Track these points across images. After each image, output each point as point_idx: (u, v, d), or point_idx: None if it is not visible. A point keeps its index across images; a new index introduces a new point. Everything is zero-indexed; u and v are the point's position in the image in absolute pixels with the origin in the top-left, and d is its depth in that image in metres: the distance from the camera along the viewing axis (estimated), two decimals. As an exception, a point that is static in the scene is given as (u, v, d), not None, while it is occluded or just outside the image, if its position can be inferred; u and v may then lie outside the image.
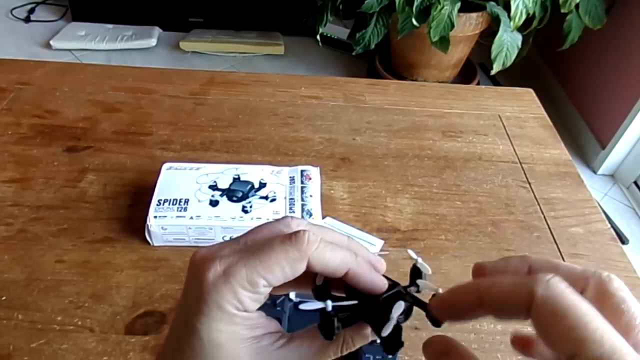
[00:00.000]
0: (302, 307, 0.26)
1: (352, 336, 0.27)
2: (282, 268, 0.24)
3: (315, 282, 0.27)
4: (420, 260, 0.28)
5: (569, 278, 0.21)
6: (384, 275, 0.27)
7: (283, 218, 0.27)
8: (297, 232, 0.25)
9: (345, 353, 0.27)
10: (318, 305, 0.25)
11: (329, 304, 0.25)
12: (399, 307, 0.25)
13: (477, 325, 0.52)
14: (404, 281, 0.28)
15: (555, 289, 0.20)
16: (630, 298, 0.22)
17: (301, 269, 0.24)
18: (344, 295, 0.27)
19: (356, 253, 0.26)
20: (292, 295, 0.48)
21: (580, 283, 0.22)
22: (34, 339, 0.47)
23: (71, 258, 0.55)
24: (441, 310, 0.24)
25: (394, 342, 0.25)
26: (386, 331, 0.24)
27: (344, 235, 0.28)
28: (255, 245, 0.25)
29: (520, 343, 0.27)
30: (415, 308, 0.26)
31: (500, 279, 0.23)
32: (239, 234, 0.27)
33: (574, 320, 0.19)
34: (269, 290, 0.25)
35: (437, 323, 0.24)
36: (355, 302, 0.26)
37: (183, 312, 0.25)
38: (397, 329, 0.25)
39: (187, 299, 0.25)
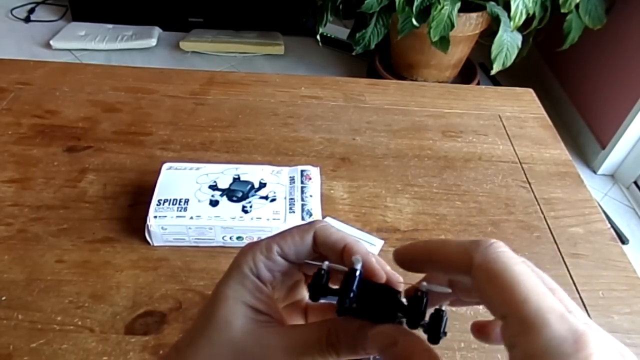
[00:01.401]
0: (328, 263, 0.27)
1: (337, 330, 0.26)
2: (293, 236, 0.28)
3: (318, 270, 0.28)
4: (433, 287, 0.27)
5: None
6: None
7: (316, 221, 0.31)
8: (314, 221, 0.30)
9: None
10: (343, 268, 0.27)
11: (326, 263, 0.27)
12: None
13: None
14: (405, 282, 0.28)
15: (492, 252, 0.22)
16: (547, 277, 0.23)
17: (308, 239, 0.28)
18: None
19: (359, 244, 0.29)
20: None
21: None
22: (34, 339, 0.47)
23: (71, 258, 0.55)
24: (397, 260, 0.27)
25: (417, 314, 0.25)
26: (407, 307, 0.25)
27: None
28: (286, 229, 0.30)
29: (478, 330, 0.28)
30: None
31: (448, 241, 0.25)
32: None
33: (504, 282, 0.20)
34: (282, 261, 0.28)
35: (435, 340, 0.24)
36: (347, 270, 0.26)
37: (217, 283, 0.29)
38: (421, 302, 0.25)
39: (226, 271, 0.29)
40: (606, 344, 0.19)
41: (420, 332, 0.25)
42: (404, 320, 0.25)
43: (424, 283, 0.25)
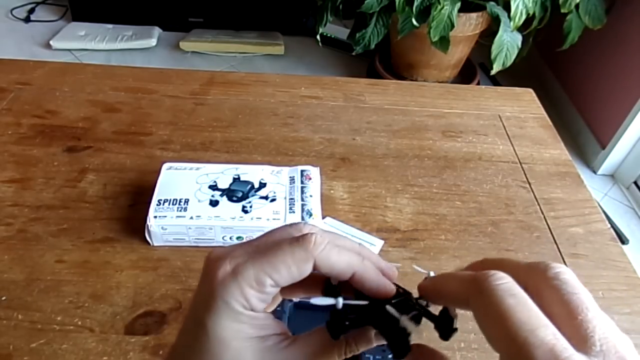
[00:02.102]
0: (313, 301, 0.26)
1: (355, 340, 0.27)
2: (288, 267, 0.25)
3: (326, 281, 0.28)
4: (432, 273, 0.28)
5: (513, 273, 0.22)
6: (395, 284, 0.27)
7: (296, 223, 0.28)
8: (305, 234, 0.26)
9: (348, 356, 0.27)
10: (329, 301, 0.26)
11: (340, 301, 0.26)
12: (407, 312, 0.25)
13: (478, 326, 0.51)
14: (404, 282, 0.28)
15: (487, 285, 0.21)
16: (566, 285, 0.22)
17: (307, 269, 0.25)
18: (353, 297, 0.28)
19: (365, 257, 0.27)
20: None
21: (522, 278, 0.22)
22: (34, 339, 0.47)
23: (71, 258, 0.55)
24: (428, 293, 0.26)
25: (402, 347, 0.25)
26: (394, 336, 0.25)
27: (355, 242, 0.28)
28: (265, 246, 0.26)
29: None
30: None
31: (452, 276, 0.25)
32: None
33: (495, 316, 0.20)
34: (276, 290, 0.25)
35: (446, 335, 0.25)
36: (365, 302, 0.26)
37: (194, 309, 0.26)
38: (405, 334, 0.25)
39: (199, 296, 0.26)
40: None
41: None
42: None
43: (405, 321, 0.25)
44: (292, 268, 0.25)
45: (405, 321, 0.25)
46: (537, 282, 0.22)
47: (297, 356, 0.26)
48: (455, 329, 0.25)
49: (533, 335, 0.19)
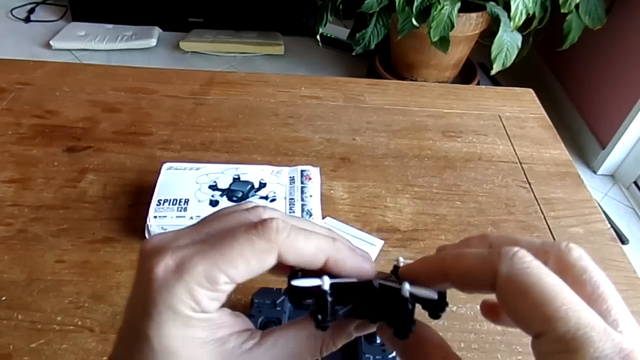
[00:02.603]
0: (294, 282, 0.22)
1: (333, 335, 0.24)
2: (247, 262, 0.21)
3: (290, 277, 0.23)
4: (401, 259, 0.25)
5: (529, 251, 0.20)
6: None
7: (253, 206, 0.23)
8: (264, 220, 0.22)
9: (325, 354, 0.24)
10: (312, 282, 0.22)
11: (326, 280, 0.22)
12: (406, 287, 0.22)
13: (477, 326, 0.52)
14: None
15: (518, 264, 0.19)
16: (592, 267, 0.21)
17: (270, 261, 0.21)
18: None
19: (335, 239, 0.24)
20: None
21: (540, 256, 0.21)
22: (34, 339, 0.47)
23: (71, 258, 0.55)
24: (408, 279, 0.23)
25: (406, 322, 0.22)
26: (396, 310, 0.22)
27: (321, 226, 0.25)
28: (216, 234, 0.22)
29: (489, 311, 0.25)
30: None
31: (465, 253, 0.21)
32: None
33: (537, 297, 0.18)
34: (231, 287, 0.21)
35: (435, 315, 0.23)
36: (353, 279, 0.23)
37: (131, 317, 0.22)
38: (408, 305, 0.22)
39: (135, 300, 0.21)
40: None
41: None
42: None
43: (407, 286, 0.22)
44: (252, 262, 0.21)
45: (406, 290, 0.22)
46: (560, 263, 0.21)
47: (265, 357, 0.22)
48: (446, 304, 0.22)
49: (584, 316, 0.18)
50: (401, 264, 0.24)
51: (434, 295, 0.22)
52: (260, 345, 0.22)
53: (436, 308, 0.22)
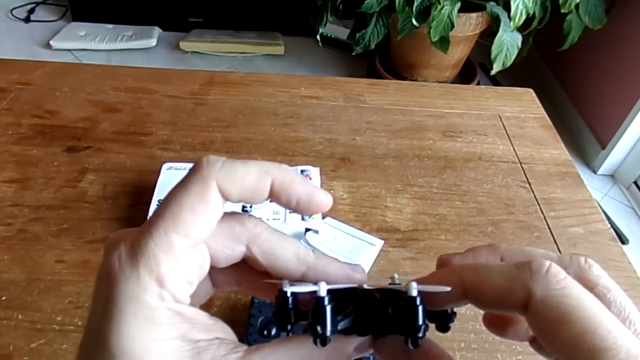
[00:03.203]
0: (286, 289, 0.20)
1: (329, 358, 0.20)
2: (191, 209, 0.18)
3: (280, 292, 0.20)
4: (396, 275, 0.22)
5: None
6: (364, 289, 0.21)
7: (197, 161, 0.20)
8: (196, 162, 0.19)
9: None
10: (308, 287, 0.20)
11: (323, 286, 0.19)
12: (413, 288, 0.19)
13: (477, 325, 0.52)
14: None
15: (554, 284, 0.17)
16: (613, 285, 0.19)
17: (213, 199, 0.19)
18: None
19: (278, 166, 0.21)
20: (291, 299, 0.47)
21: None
22: (34, 339, 0.47)
23: (71, 258, 0.55)
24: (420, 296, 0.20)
25: (416, 326, 0.19)
26: (404, 315, 0.19)
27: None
28: (160, 205, 0.19)
29: (493, 323, 0.23)
30: None
31: (488, 269, 0.19)
32: None
33: (581, 324, 0.16)
34: (192, 249, 0.19)
35: (444, 325, 0.21)
36: (353, 286, 0.21)
37: (91, 321, 0.19)
38: (417, 307, 0.19)
39: (95, 302, 0.19)
40: None
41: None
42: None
43: (414, 283, 0.19)
44: (195, 207, 0.18)
45: (414, 288, 0.19)
46: (581, 280, 0.19)
47: None
48: (454, 314, 0.20)
49: (633, 346, 0.16)
50: (397, 281, 0.21)
51: (447, 288, 0.19)
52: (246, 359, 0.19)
53: (445, 319, 0.20)
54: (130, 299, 0.17)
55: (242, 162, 0.20)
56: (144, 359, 0.17)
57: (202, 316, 0.19)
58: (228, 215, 0.21)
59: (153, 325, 0.17)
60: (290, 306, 0.20)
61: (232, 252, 0.20)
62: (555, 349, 0.17)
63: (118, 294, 0.17)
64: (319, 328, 0.19)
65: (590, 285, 0.19)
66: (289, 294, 0.20)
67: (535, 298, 0.17)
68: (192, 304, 0.19)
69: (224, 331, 0.20)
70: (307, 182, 0.21)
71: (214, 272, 0.22)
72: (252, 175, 0.19)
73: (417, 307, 0.19)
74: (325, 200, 0.21)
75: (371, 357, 0.45)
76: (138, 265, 0.18)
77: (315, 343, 0.19)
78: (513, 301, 0.18)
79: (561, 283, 0.17)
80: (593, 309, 0.17)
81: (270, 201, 0.20)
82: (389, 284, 0.22)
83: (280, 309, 0.20)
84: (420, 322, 0.19)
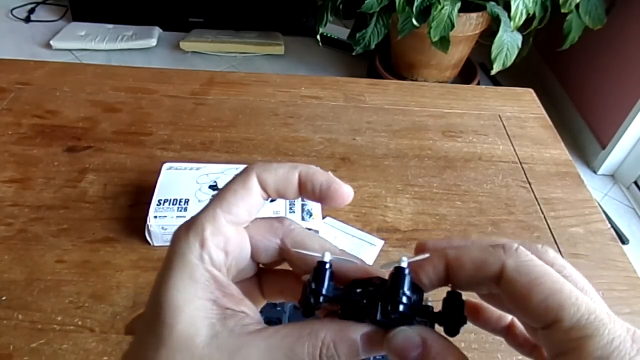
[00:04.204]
0: (296, 250, 0.24)
1: (334, 340, 0.21)
2: (234, 191, 0.23)
3: (318, 266, 0.22)
4: (404, 258, 0.23)
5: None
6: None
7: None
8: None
9: None
10: (315, 255, 0.22)
11: (327, 255, 0.22)
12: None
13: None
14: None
15: (523, 257, 0.21)
16: (568, 264, 0.22)
17: (252, 185, 0.24)
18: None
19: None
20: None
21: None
22: (34, 339, 0.47)
23: (71, 258, 0.55)
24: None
25: (401, 294, 0.21)
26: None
27: None
28: (216, 193, 0.25)
29: (470, 311, 0.26)
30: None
31: (469, 246, 0.22)
32: None
33: (548, 287, 0.19)
34: (235, 232, 0.23)
35: (454, 328, 0.22)
36: (355, 261, 0.23)
37: (156, 281, 0.23)
38: (403, 278, 0.21)
39: (162, 266, 0.23)
40: None
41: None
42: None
43: (404, 257, 0.22)
44: (237, 189, 0.23)
45: (405, 260, 0.21)
46: (541, 260, 0.22)
47: (260, 346, 0.21)
48: (465, 319, 0.22)
49: (590, 303, 0.19)
50: (404, 264, 0.22)
51: (426, 255, 0.22)
52: (261, 332, 0.21)
53: (455, 321, 0.21)
54: (180, 255, 0.22)
55: (277, 163, 0.25)
56: (182, 308, 0.21)
57: (234, 288, 0.23)
58: (269, 217, 0.26)
59: (193, 282, 0.21)
60: (326, 278, 0.22)
61: (269, 242, 0.25)
62: (526, 310, 0.20)
63: (172, 253, 0.22)
64: (313, 284, 0.21)
65: (549, 264, 0.21)
66: (327, 264, 0.22)
67: (508, 267, 0.20)
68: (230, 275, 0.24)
69: (250, 308, 0.23)
70: (328, 174, 0.25)
71: (264, 280, 0.27)
72: (283, 169, 0.24)
73: (404, 275, 0.21)
74: (344, 189, 0.24)
75: (371, 357, 0.45)
76: (189, 230, 0.22)
77: (309, 300, 0.21)
78: (489, 271, 0.21)
79: (529, 256, 0.21)
80: (557, 275, 0.20)
81: (302, 198, 0.25)
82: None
83: (304, 298, 0.22)
84: (405, 288, 0.21)
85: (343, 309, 0.22)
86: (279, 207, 0.58)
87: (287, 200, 0.59)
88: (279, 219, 0.25)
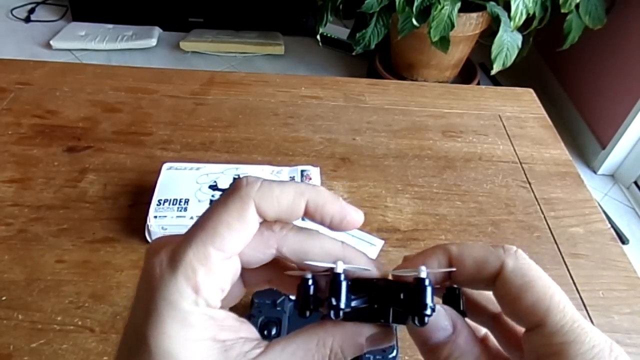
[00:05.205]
0: (307, 262, 0.22)
1: (342, 346, 0.22)
2: (228, 225, 0.20)
3: (302, 280, 0.22)
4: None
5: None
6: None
7: (236, 181, 0.22)
8: (235, 182, 0.21)
9: None
10: (325, 264, 0.21)
11: (340, 264, 0.21)
12: (423, 272, 0.21)
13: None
14: None
15: (522, 259, 0.21)
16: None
17: (250, 218, 0.21)
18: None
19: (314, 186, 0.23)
20: (292, 295, 0.47)
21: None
22: (34, 339, 0.47)
23: (71, 258, 0.55)
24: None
25: (424, 305, 0.21)
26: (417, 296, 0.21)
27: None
28: (201, 218, 0.21)
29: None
30: None
31: (472, 244, 0.23)
32: None
33: (540, 290, 0.20)
34: (226, 262, 0.21)
35: (460, 313, 0.23)
36: (367, 269, 0.22)
37: (132, 318, 0.21)
38: (424, 289, 0.21)
39: (137, 301, 0.21)
40: (625, 354, 0.20)
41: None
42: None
43: (423, 267, 0.21)
44: (233, 224, 0.20)
45: (423, 270, 0.21)
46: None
47: None
48: (465, 313, 0.23)
49: (576, 312, 0.20)
50: (423, 274, 0.22)
51: (453, 268, 0.22)
52: (266, 354, 0.21)
53: (456, 299, 0.23)
54: (169, 303, 0.19)
55: (278, 184, 0.21)
56: (179, 357, 0.19)
57: (231, 318, 0.21)
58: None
59: (187, 327, 0.19)
60: (310, 293, 0.21)
61: (263, 255, 0.22)
62: (516, 312, 0.21)
63: (158, 298, 0.19)
64: (333, 300, 0.20)
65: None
66: (310, 282, 0.21)
67: (507, 267, 0.21)
68: (223, 307, 0.21)
69: (249, 331, 0.22)
70: (339, 201, 0.22)
71: (246, 273, 0.23)
72: (288, 196, 0.21)
73: (425, 287, 0.21)
74: (357, 217, 0.23)
75: (371, 357, 0.45)
76: (177, 273, 0.20)
77: (329, 315, 0.20)
78: (488, 269, 0.21)
79: (527, 259, 0.21)
80: (549, 281, 0.21)
81: (303, 219, 0.22)
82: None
83: (301, 296, 0.21)
84: (429, 300, 0.20)
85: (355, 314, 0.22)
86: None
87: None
88: (267, 224, 0.22)
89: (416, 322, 0.20)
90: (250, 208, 0.21)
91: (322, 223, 0.23)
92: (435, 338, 0.21)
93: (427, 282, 0.21)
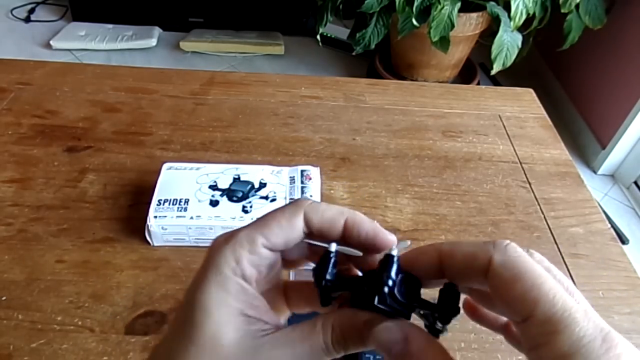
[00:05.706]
0: (306, 240, 0.25)
1: (341, 326, 0.24)
2: (279, 223, 0.25)
3: (325, 254, 0.25)
4: (409, 242, 0.27)
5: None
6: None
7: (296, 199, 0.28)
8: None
9: (338, 356, 0.24)
10: (322, 244, 0.25)
11: (333, 245, 0.24)
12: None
13: (477, 326, 0.51)
14: None
15: (511, 252, 0.22)
16: (553, 267, 0.23)
17: (297, 222, 0.25)
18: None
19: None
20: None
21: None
22: (34, 339, 0.47)
23: (71, 258, 0.55)
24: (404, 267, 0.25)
25: (387, 278, 0.23)
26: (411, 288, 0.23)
27: None
28: (263, 215, 0.26)
29: (471, 308, 0.28)
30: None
31: (461, 242, 0.24)
32: None
33: (528, 282, 0.20)
34: (269, 252, 0.25)
35: (447, 317, 0.23)
36: (359, 253, 0.25)
37: (190, 285, 0.25)
38: (391, 263, 0.23)
39: (197, 272, 0.25)
40: (629, 344, 0.19)
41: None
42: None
43: (393, 245, 0.25)
44: (282, 222, 0.25)
45: (394, 245, 0.24)
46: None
47: (280, 354, 0.23)
48: (459, 309, 0.23)
49: (569, 300, 0.20)
50: (394, 252, 0.24)
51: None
52: (280, 332, 0.24)
53: (448, 311, 0.23)
54: (215, 266, 0.24)
55: (326, 204, 0.26)
56: (212, 312, 0.23)
57: (261, 301, 0.25)
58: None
59: (225, 291, 0.23)
60: (330, 264, 0.24)
61: (293, 226, 0.25)
62: (507, 302, 0.21)
63: (209, 264, 0.24)
64: (318, 270, 0.24)
65: None
66: (332, 254, 0.24)
67: (495, 262, 0.21)
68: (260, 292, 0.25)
69: (273, 320, 0.25)
70: (373, 222, 0.26)
71: (289, 291, 0.28)
72: (331, 212, 0.26)
73: (391, 261, 0.23)
74: (389, 237, 0.26)
75: (371, 357, 0.45)
76: (228, 245, 0.24)
77: (316, 285, 0.24)
78: (477, 265, 0.22)
79: (517, 252, 0.22)
80: (540, 271, 0.21)
81: (339, 243, 0.25)
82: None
83: (320, 264, 0.24)
84: (393, 272, 0.23)
85: (352, 298, 0.24)
86: (279, 203, 0.58)
87: (288, 200, 0.59)
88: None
89: (376, 302, 0.22)
90: (300, 215, 0.25)
91: (357, 238, 0.26)
92: (395, 351, 0.22)
93: (394, 259, 0.23)
